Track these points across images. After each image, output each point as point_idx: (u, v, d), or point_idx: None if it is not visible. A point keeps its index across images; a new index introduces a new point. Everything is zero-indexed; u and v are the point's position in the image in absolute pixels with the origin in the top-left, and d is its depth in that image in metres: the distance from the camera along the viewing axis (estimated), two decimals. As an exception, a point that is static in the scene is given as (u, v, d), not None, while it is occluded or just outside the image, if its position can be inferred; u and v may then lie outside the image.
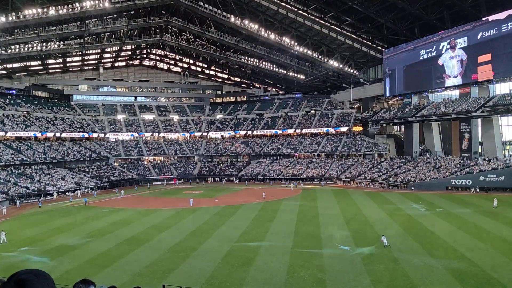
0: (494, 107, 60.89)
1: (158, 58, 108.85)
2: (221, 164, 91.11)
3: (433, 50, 72.18)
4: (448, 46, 69.54)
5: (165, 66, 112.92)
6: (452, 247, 27.22)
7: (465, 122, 66.06)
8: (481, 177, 57.22)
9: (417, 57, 74.63)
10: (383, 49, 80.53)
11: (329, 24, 76.55)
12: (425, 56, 73.74)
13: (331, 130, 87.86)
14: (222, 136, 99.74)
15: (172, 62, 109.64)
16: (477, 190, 56.72)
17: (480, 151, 67.93)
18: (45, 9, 60.80)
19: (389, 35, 76.00)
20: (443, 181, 60.57)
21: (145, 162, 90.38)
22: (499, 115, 64.91)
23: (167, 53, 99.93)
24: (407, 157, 74.96)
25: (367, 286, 20.55)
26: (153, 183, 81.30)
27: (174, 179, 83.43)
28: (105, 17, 71.33)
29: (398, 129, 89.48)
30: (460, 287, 19.90)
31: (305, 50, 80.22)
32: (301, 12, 74.24)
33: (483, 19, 61.67)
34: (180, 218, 42.05)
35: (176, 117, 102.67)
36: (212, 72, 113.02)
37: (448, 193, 55.85)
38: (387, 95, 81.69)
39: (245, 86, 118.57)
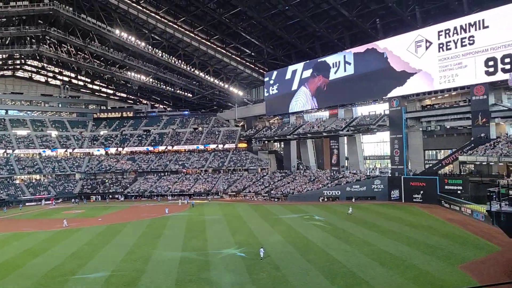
0: (357, 127, 70.27)
1: (34, 69, 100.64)
2: (105, 182, 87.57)
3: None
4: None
5: (43, 79, 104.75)
6: (324, 251, 30.99)
7: (334, 139, 74.97)
8: (347, 188, 64.80)
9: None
10: (264, 72, 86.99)
11: (215, 46, 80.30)
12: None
13: (218, 146, 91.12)
14: (106, 152, 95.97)
15: (50, 74, 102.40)
16: (325, 199, 64.46)
17: (346, 165, 77.32)
18: None
19: (270, 60, 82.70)
20: (317, 192, 67.06)
21: (17, 181, 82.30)
22: (360, 134, 75.00)
23: (45, 64, 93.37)
24: (286, 171, 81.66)
25: (253, 294, 22.57)
26: (27, 204, 74.53)
27: (51, 198, 77.59)
28: (-30, 23, 64.72)
29: (279, 145, 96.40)
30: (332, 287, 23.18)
31: (192, 69, 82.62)
32: (188, 32, 76.69)
33: (347, 50, 71.15)
34: (57, 240, 39.88)
35: (54, 133, 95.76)
36: (96, 87, 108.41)
37: (321, 203, 62.36)
38: (268, 115, 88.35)
39: (132, 102, 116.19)
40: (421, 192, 56.56)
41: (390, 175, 63.69)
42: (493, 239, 32.70)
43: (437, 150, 65.45)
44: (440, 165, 57.13)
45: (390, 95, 64.05)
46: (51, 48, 78.93)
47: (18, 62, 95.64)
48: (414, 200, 57.01)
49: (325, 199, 64.84)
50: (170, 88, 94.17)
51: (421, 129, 63.06)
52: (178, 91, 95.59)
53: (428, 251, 30.06)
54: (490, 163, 48.13)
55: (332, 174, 73.16)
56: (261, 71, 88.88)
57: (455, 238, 34.02)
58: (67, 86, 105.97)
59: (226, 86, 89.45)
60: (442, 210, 49.58)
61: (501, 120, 53.26)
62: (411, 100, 63.68)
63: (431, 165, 60.41)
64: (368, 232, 37.82)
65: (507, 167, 47.20)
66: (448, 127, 60.10)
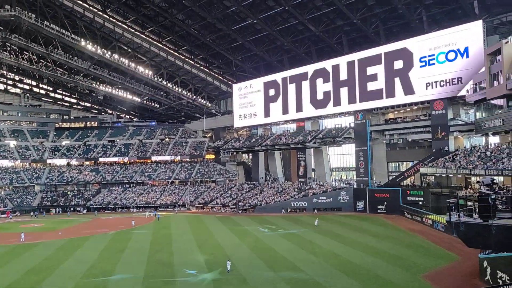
0: (323, 139, 71.49)
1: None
2: (67, 194, 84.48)
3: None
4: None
5: (2, 86, 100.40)
6: (291, 263, 31.12)
7: (301, 151, 75.97)
8: (314, 199, 65.60)
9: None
10: (233, 84, 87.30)
11: (183, 57, 79.99)
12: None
13: (185, 157, 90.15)
14: (68, 163, 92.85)
15: (10, 82, 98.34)
16: (288, 211, 65.10)
17: (313, 176, 78.32)
18: None
19: (238, 72, 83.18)
20: (284, 203, 67.36)
21: (-29, 194, 78.18)
22: (327, 146, 76.33)
23: (4, 72, 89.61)
24: (254, 182, 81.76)
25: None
26: (-20, 218, 70.73)
27: (7, 212, 73.95)
28: None
29: (247, 156, 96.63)
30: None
31: (160, 80, 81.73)
32: (156, 42, 76.08)
33: (311, 64, 72.82)
34: (14, 255, 38.05)
35: (13, 143, 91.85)
36: (58, 96, 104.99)
37: (288, 215, 62.65)
38: (236, 126, 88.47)
39: (97, 111, 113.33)
40: (385, 203, 58.03)
41: (355, 187, 65.03)
42: (453, 248, 33.91)
43: (400, 162, 67.59)
44: (403, 176, 58.98)
45: (355, 108, 65.84)
46: (11, 55, 75.79)
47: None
48: (378, 211, 58.37)
49: (288, 210, 65.29)
50: (136, 98, 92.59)
51: (384, 141, 65.01)
52: (145, 101, 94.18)
53: (392, 261, 30.78)
54: (449, 175, 50.13)
55: (299, 185, 73.83)
56: (230, 82, 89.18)
57: (417, 248, 35.04)
58: (27, 94, 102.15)
59: (194, 97, 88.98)
60: (405, 221, 51.02)
61: (459, 133, 55.72)
62: (375, 113, 65.63)
63: (394, 176, 62.23)
64: (334, 243, 38.41)
65: (465, 179, 49.29)
66: (410, 140, 62.28)
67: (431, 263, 29.99)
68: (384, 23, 61.21)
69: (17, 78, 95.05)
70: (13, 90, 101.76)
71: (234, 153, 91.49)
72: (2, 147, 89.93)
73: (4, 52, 74.32)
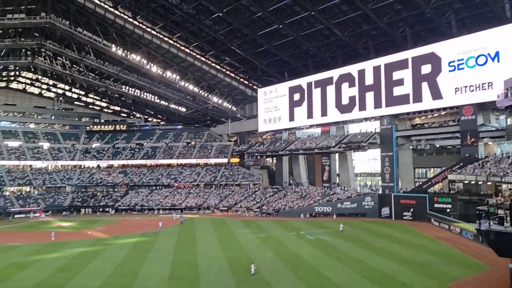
0: (348, 144, 70.94)
1: (28, 81, 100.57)
2: (96, 195, 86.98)
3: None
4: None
5: (37, 91, 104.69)
6: (315, 268, 31.04)
7: (326, 156, 75.57)
8: (338, 205, 64.99)
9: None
10: (258, 88, 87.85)
11: (209, 62, 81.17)
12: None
13: (210, 161, 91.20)
14: (98, 165, 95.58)
15: (44, 86, 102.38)
16: (307, 216, 64.51)
17: (337, 181, 77.71)
18: None
19: (263, 76, 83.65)
20: (308, 208, 67.15)
21: (7, 193, 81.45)
22: (352, 151, 75.65)
23: (39, 77, 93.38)
24: (278, 186, 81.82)
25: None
26: (16, 215, 73.67)
27: (40, 211, 76.83)
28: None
29: (271, 161, 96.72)
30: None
31: (187, 84, 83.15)
32: (183, 48, 77.54)
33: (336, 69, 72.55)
34: (45, 253, 39.50)
35: (46, 145, 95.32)
36: (90, 100, 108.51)
37: (312, 220, 62.39)
38: (261, 130, 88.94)
39: (125, 115, 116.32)
40: (411, 209, 56.93)
41: (380, 193, 64.13)
42: (482, 257, 33.01)
43: (427, 169, 66.25)
44: (430, 183, 57.75)
45: (381, 113, 65.11)
46: (46, 61, 79.01)
47: (12, 73, 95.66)
48: (404, 217, 57.32)
49: (307, 215, 64.92)
50: (164, 103, 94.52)
51: (411, 147, 63.89)
52: (171, 106, 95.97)
53: (418, 269, 30.26)
54: (479, 182, 48.78)
55: (323, 190, 73.37)
56: (255, 87, 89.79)
57: (445, 256, 34.28)
58: (61, 98, 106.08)
59: (220, 101, 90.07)
60: (432, 228, 49.94)
61: (489, 140, 54.23)
62: (401, 118, 64.68)
63: (421, 183, 61.03)
64: (358, 249, 37.97)
65: (496, 186, 47.88)
66: (437, 146, 60.98)
67: (459, 272, 29.33)
68: (411, 27, 60.35)
69: (51, 82, 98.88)
70: (47, 94, 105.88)
71: (258, 157, 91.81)
72: (36, 149, 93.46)
73: (39, 57, 77.50)
